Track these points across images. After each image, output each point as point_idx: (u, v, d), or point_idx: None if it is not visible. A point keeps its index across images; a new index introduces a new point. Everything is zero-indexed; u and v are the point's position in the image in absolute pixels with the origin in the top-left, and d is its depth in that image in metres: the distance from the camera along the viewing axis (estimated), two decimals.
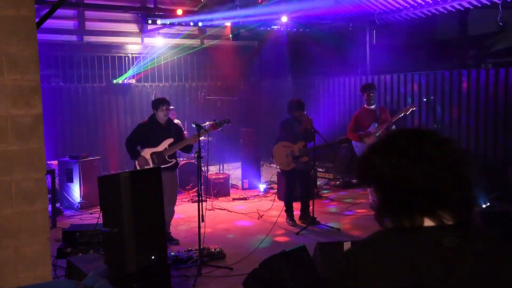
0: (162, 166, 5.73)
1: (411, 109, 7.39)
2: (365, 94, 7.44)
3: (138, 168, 6.03)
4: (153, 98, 9.62)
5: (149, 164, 6.09)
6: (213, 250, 5.64)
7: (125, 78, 10.95)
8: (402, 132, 1.30)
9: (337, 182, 9.52)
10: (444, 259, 1.18)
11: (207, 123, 9.74)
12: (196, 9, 9.97)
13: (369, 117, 7.37)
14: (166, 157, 6.18)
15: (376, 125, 7.28)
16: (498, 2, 7.81)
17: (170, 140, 6.22)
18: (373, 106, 7.41)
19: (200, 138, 5.69)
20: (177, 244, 6.11)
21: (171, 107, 9.92)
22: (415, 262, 1.18)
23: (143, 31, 11.15)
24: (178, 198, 8.64)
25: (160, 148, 6.16)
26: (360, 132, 7.35)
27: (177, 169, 6.53)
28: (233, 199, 8.71)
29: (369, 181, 1.31)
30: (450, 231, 1.20)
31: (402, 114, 7.33)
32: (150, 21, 9.03)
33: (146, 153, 6.18)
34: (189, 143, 6.29)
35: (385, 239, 1.26)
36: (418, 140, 1.25)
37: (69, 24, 10.49)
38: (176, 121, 9.72)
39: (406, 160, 1.22)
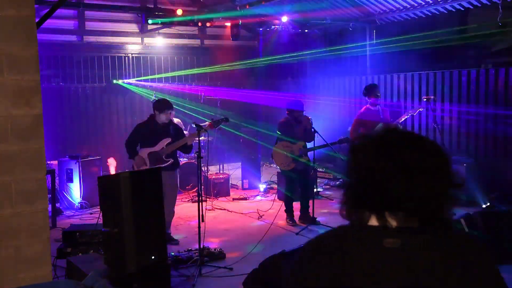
0: (161, 166, 5.76)
1: (418, 110, 7.39)
2: (372, 96, 7.36)
3: (135, 168, 6.03)
4: (153, 98, 9.66)
5: (146, 165, 6.09)
6: (213, 250, 5.64)
7: (125, 78, 10.96)
8: (394, 132, 1.30)
9: (337, 182, 9.52)
10: (381, 259, 1.18)
11: (207, 123, 9.74)
12: (196, 9, 9.97)
13: (374, 116, 7.32)
14: (163, 157, 6.18)
15: (381, 125, 7.23)
16: (498, 2, 7.81)
17: (168, 140, 6.23)
18: (376, 107, 7.39)
19: (200, 138, 5.69)
20: (177, 244, 6.11)
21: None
22: (353, 261, 1.20)
23: (143, 31, 11.15)
24: (178, 198, 8.68)
25: (157, 148, 6.18)
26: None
27: (177, 169, 6.52)
28: (233, 199, 8.71)
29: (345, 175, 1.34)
30: (394, 233, 1.20)
31: (409, 115, 7.34)
32: (150, 21, 9.03)
33: (144, 153, 6.19)
34: (186, 142, 6.27)
35: (330, 237, 1.30)
36: (404, 144, 1.25)
37: (69, 24, 10.49)
38: (176, 120, 9.74)
39: (377, 157, 1.23)
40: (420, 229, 1.21)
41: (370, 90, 7.48)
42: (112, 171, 9.16)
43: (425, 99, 8.15)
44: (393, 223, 1.22)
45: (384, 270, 1.17)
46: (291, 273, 1.30)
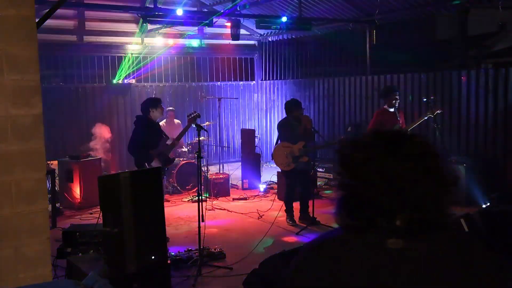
0: (169, 166, 5.96)
1: (437, 111, 7.28)
2: (390, 98, 7.30)
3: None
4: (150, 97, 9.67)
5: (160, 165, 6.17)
6: (213, 250, 5.64)
7: (124, 78, 10.95)
8: (380, 137, 1.27)
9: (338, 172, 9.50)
10: (385, 260, 1.18)
11: (207, 123, 9.77)
12: (195, 9, 9.97)
13: (391, 119, 7.24)
14: (169, 155, 6.35)
15: (398, 126, 7.19)
16: (498, 2, 7.81)
17: (167, 139, 6.42)
18: (393, 109, 7.33)
19: (201, 138, 5.71)
20: (167, 241, 6.10)
21: (171, 108, 9.98)
22: (355, 260, 1.19)
23: (143, 31, 11.14)
24: (178, 198, 8.70)
25: (161, 148, 6.22)
26: None
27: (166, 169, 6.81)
28: (233, 199, 8.71)
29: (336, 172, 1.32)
30: (396, 234, 1.19)
31: (427, 117, 7.29)
32: (149, 21, 9.02)
33: (155, 154, 6.27)
34: (183, 135, 6.63)
35: (330, 239, 1.28)
36: (386, 151, 1.22)
37: (69, 24, 10.49)
38: (176, 121, 9.75)
39: (365, 169, 1.21)
40: (420, 230, 1.20)
41: (388, 93, 7.43)
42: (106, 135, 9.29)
43: (425, 100, 8.16)
44: (390, 226, 1.21)
45: (388, 271, 1.17)
46: (292, 274, 1.30)
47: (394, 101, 7.27)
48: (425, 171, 1.19)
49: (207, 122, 9.82)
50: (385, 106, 7.42)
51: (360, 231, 1.22)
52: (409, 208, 1.18)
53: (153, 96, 10.45)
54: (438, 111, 7.37)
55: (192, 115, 6.52)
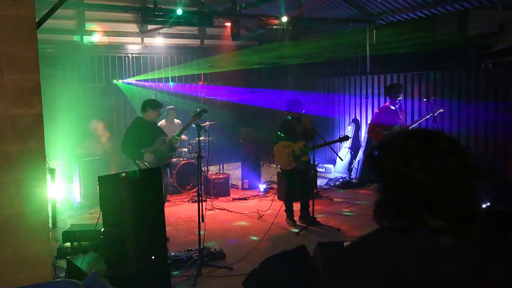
0: (165, 163, 6.02)
1: (439, 111, 7.33)
2: (394, 97, 7.30)
3: (146, 166, 6.11)
4: (153, 98, 9.66)
5: (154, 163, 6.19)
6: (213, 250, 5.63)
7: (125, 78, 10.96)
8: (415, 136, 1.30)
9: (337, 182, 9.52)
10: (437, 258, 1.19)
11: (207, 123, 9.76)
12: (196, 9, 9.97)
13: (393, 116, 7.30)
14: (167, 151, 6.38)
15: (399, 124, 7.22)
16: (498, 2, 7.81)
17: (164, 136, 6.48)
18: (396, 106, 7.35)
19: (201, 138, 5.71)
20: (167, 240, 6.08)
21: (172, 106, 9.99)
22: (406, 262, 1.20)
23: (143, 31, 11.15)
24: (178, 198, 8.69)
25: (158, 145, 6.31)
26: (385, 131, 7.27)
27: (168, 168, 6.76)
28: (233, 199, 8.70)
29: (375, 173, 1.33)
30: (447, 231, 1.21)
31: (429, 116, 7.32)
32: (149, 20, 9.03)
33: (147, 152, 6.30)
34: (184, 131, 6.66)
35: (379, 238, 1.28)
36: (426, 149, 1.25)
37: (69, 24, 10.48)
38: (176, 121, 9.74)
39: (408, 169, 1.24)
40: (466, 227, 1.22)
41: (393, 91, 7.44)
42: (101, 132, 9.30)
43: (425, 100, 8.17)
44: (439, 223, 1.23)
45: (444, 270, 1.18)
46: (335, 279, 1.28)
47: (397, 101, 7.29)
48: (464, 165, 1.23)
49: (208, 122, 9.81)
50: (387, 103, 7.43)
51: (408, 231, 1.24)
52: (455, 202, 1.21)
53: (153, 96, 10.44)
54: (441, 110, 7.39)
55: (197, 111, 6.57)
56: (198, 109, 6.68)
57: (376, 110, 7.77)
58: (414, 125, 7.43)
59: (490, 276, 1.18)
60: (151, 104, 6.45)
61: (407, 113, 8.78)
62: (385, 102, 7.61)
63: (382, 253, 1.24)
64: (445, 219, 1.21)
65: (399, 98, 7.31)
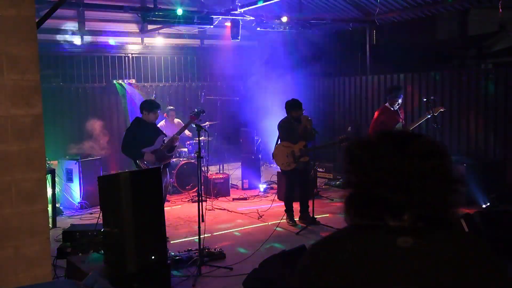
0: (165, 163, 6.13)
1: (440, 110, 7.29)
2: (393, 99, 7.30)
3: (146, 167, 6.13)
4: (153, 98, 9.67)
5: (154, 163, 6.21)
6: (213, 250, 5.64)
7: (125, 78, 10.95)
8: (390, 136, 1.29)
9: (337, 182, 9.52)
10: (395, 257, 1.18)
11: (207, 123, 9.76)
12: (196, 9, 9.97)
13: (394, 117, 7.27)
14: (166, 152, 6.40)
15: (401, 125, 7.22)
16: (498, 2, 7.81)
17: (164, 136, 6.49)
18: (395, 107, 7.32)
19: (201, 138, 5.71)
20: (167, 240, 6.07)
21: (172, 107, 9.99)
22: (366, 259, 1.20)
23: (143, 31, 11.15)
24: (177, 198, 8.70)
25: (158, 145, 6.37)
26: None
27: (168, 168, 6.74)
28: (233, 199, 8.71)
29: (344, 170, 1.34)
30: (405, 232, 1.21)
31: (430, 115, 7.30)
32: (149, 21, 9.03)
33: (147, 152, 6.31)
34: (176, 140, 6.56)
35: (341, 236, 1.30)
36: (395, 150, 1.24)
37: (69, 24, 10.48)
38: (176, 121, 9.75)
39: (373, 168, 1.23)
40: (428, 228, 1.22)
41: (393, 93, 7.43)
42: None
43: (425, 100, 8.17)
44: (398, 223, 1.23)
45: (398, 270, 1.18)
46: (299, 273, 1.30)
47: (396, 104, 7.28)
48: (432, 169, 1.21)
49: (208, 122, 9.81)
50: (387, 104, 7.43)
51: (369, 230, 1.24)
52: (416, 205, 1.20)
53: (153, 96, 10.44)
54: (442, 109, 7.35)
55: (195, 112, 6.62)
56: (196, 110, 6.71)
57: (376, 111, 7.77)
58: (414, 126, 7.43)
59: (446, 276, 1.17)
60: (147, 106, 6.48)
61: (406, 113, 8.79)
62: (385, 102, 7.61)
63: (339, 251, 1.25)
64: (404, 220, 1.21)
65: (398, 101, 7.30)
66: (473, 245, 1.24)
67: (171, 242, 6.03)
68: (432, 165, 1.22)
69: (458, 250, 1.21)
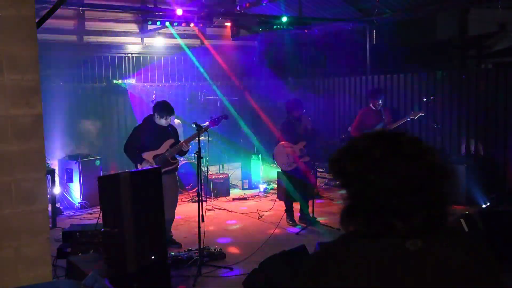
0: (164, 169, 5.64)
1: (420, 114, 7.48)
2: (374, 101, 7.58)
3: None
4: (153, 98, 9.66)
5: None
6: (213, 250, 5.64)
7: (125, 78, 10.95)
8: (378, 140, 1.27)
9: (337, 182, 9.50)
10: (405, 261, 1.18)
11: (207, 123, 9.76)
12: (196, 9, 9.97)
13: (375, 117, 7.54)
14: (170, 159, 6.05)
15: (382, 124, 7.38)
16: (498, 2, 7.81)
17: (171, 141, 6.08)
18: (378, 108, 7.58)
19: (200, 138, 5.68)
20: (179, 247, 5.95)
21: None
22: (376, 265, 1.18)
23: (143, 31, 11.14)
24: (178, 198, 8.68)
25: (162, 150, 6.01)
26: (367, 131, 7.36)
27: (176, 172, 6.38)
28: (233, 199, 8.71)
29: (339, 182, 1.32)
30: (414, 234, 1.20)
31: (409, 118, 7.41)
32: (150, 22, 9.04)
33: (149, 156, 5.99)
34: (191, 140, 6.19)
35: (347, 244, 1.26)
36: (391, 154, 1.22)
37: (69, 24, 10.48)
38: (176, 121, 9.74)
39: (375, 176, 1.21)
40: (433, 229, 1.21)
41: (372, 94, 7.78)
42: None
43: (425, 100, 8.18)
44: (407, 227, 1.22)
45: (410, 274, 1.17)
46: (304, 279, 1.28)
47: (377, 104, 7.51)
48: (429, 167, 1.21)
49: (207, 122, 9.80)
50: (371, 105, 7.66)
51: (375, 235, 1.22)
52: (424, 206, 1.19)
53: (153, 96, 10.43)
54: (421, 114, 7.55)
55: (214, 118, 6.26)
56: (213, 116, 6.37)
57: (360, 110, 8.00)
58: (394, 126, 7.48)
59: (459, 273, 1.17)
60: (159, 110, 6.03)
61: (406, 113, 8.79)
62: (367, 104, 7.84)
63: (350, 258, 1.22)
64: (413, 223, 1.20)
65: (379, 102, 7.52)
66: (476, 247, 1.24)
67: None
68: (427, 163, 1.22)
69: (464, 252, 1.21)
